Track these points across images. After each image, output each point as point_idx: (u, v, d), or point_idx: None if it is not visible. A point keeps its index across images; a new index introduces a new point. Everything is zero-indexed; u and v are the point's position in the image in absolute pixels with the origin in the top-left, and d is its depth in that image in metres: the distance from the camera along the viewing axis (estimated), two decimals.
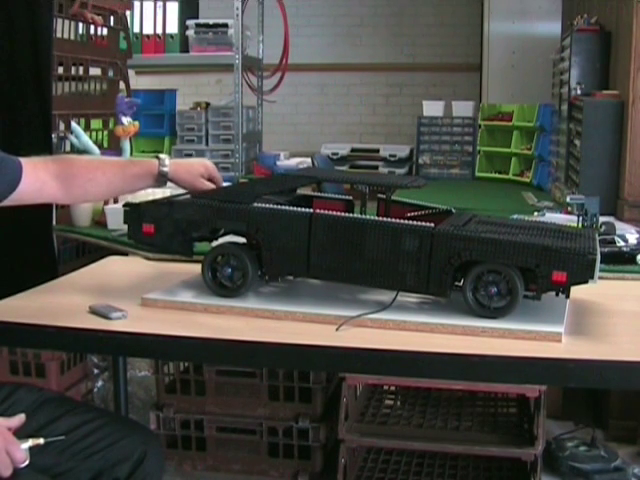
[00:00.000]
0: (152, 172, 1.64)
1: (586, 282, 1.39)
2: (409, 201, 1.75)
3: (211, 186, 1.69)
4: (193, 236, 1.59)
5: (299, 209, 1.53)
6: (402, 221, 1.47)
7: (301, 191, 1.80)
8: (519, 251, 1.40)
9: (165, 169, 1.63)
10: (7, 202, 1.55)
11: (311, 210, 1.52)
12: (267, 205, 1.54)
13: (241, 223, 1.54)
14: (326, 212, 1.52)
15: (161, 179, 1.64)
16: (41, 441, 1.32)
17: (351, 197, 1.78)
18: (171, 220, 1.58)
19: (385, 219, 1.49)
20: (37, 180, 1.57)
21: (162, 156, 1.65)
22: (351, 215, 1.54)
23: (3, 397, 1.50)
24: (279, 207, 1.54)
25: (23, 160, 1.56)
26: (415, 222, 1.47)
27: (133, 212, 1.62)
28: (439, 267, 1.44)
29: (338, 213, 1.52)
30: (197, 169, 1.69)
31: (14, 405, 1.48)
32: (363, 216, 1.54)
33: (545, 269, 1.39)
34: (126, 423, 1.62)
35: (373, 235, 1.47)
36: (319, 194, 1.86)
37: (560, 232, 1.52)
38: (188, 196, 1.64)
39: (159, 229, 1.59)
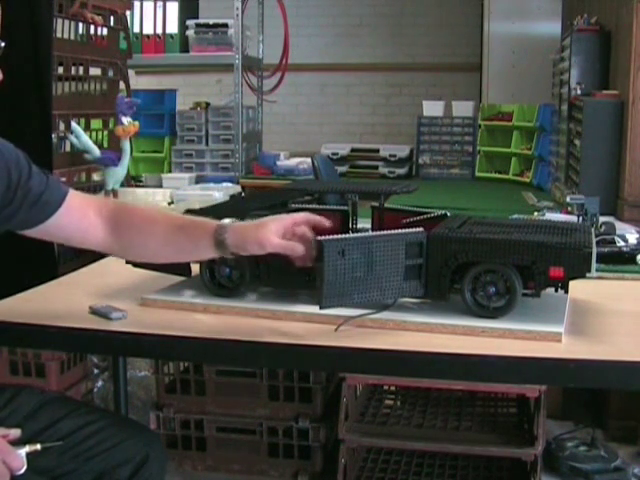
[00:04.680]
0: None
1: (584, 276, 1.39)
2: (403, 207, 1.74)
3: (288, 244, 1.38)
4: None
5: None
6: (396, 231, 1.46)
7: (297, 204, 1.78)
8: (515, 249, 1.40)
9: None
10: (40, 234, 1.50)
11: None
12: None
13: None
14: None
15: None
16: (38, 447, 1.30)
17: (347, 207, 1.73)
18: None
19: (380, 232, 1.47)
20: (84, 218, 1.45)
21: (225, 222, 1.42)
22: (345, 229, 1.53)
23: (5, 401, 1.49)
24: None
25: (74, 193, 1.47)
26: (409, 229, 1.46)
27: None
28: (436, 271, 1.44)
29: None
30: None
31: (17, 409, 1.47)
32: (357, 228, 1.54)
33: (542, 265, 1.39)
34: (129, 425, 1.60)
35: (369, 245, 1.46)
36: (315, 206, 1.83)
37: (555, 228, 1.52)
38: None
39: None
